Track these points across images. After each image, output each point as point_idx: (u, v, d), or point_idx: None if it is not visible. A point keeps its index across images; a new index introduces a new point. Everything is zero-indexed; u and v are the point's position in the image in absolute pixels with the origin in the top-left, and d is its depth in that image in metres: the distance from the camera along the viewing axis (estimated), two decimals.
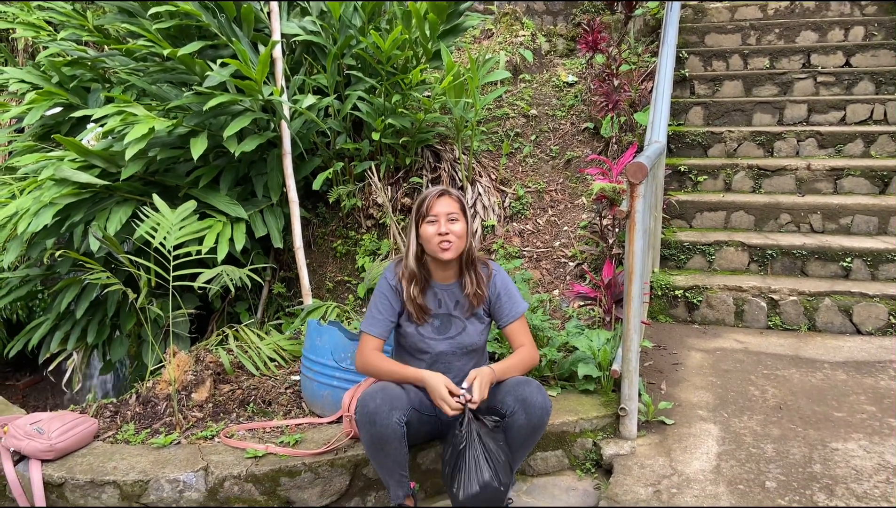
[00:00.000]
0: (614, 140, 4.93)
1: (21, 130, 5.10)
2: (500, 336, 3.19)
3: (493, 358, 3.24)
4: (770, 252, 4.08)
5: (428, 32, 4.40)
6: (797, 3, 6.05)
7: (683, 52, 5.78)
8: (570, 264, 4.36)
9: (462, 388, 2.19)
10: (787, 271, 4.08)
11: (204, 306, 4.83)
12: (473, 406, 2.16)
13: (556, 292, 4.19)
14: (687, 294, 3.98)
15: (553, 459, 2.70)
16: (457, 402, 2.15)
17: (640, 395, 2.87)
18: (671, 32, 4.39)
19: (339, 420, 2.65)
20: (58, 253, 4.07)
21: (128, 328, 4.55)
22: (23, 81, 4.38)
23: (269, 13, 4.39)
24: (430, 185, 4.77)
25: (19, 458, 2.39)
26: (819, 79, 5.29)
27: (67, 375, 4.73)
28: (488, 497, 2.11)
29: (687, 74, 5.57)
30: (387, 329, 2.35)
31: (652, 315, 4.06)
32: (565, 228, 4.65)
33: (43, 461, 2.35)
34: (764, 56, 5.63)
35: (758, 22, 5.97)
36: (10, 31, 5.14)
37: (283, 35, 4.42)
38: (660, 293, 4.04)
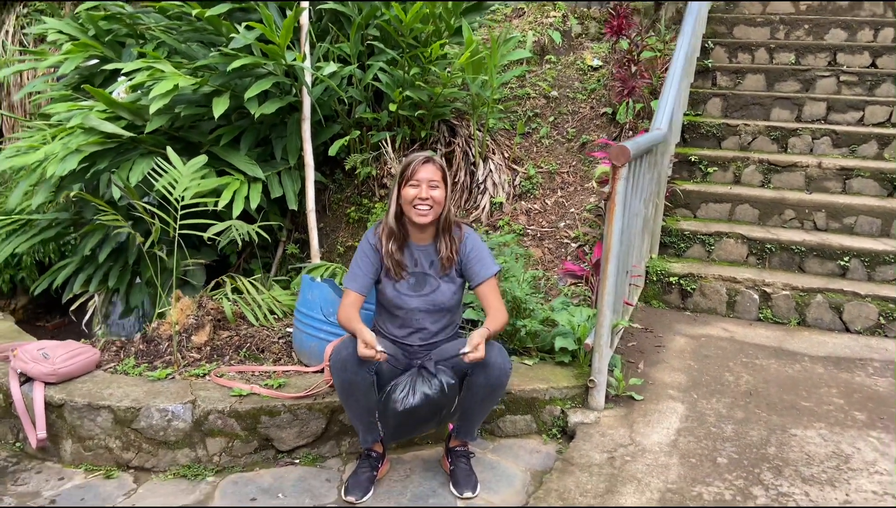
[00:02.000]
0: (629, 126, 4.98)
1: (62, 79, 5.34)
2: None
3: (475, 325, 3.38)
4: (769, 246, 4.13)
5: (451, 8, 4.49)
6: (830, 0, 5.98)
7: (710, 42, 5.77)
8: (573, 244, 4.45)
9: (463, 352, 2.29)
10: (785, 267, 4.12)
11: (221, 261, 5.04)
12: (474, 357, 2.25)
13: (556, 270, 4.30)
14: (682, 282, 4.05)
15: (522, 423, 2.84)
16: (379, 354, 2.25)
17: (612, 370, 2.99)
18: (689, 21, 4.41)
19: (323, 370, 2.82)
20: (72, 194, 4.28)
21: (147, 275, 4.78)
22: (61, 32, 4.59)
23: None
24: (444, 160, 4.89)
25: (25, 380, 2.61)
26: (842, 78, 5.25)
27: (88, 316, 4.99)
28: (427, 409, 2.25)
29: (710, 65, 5.56)
30: (366, 285, 2.50)
31: (646, 300, 4.15)
32: (572, 209, 4.73)
33: (46, 383, 2.57)
34: (790, 51, 5.59)
35: (788, 17, 5.91)
36: None
37: (311, 2, 4.55)
38: (655, 279, 4.12)
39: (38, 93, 5.15)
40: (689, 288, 4.04)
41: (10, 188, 5.44)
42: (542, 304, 3.38)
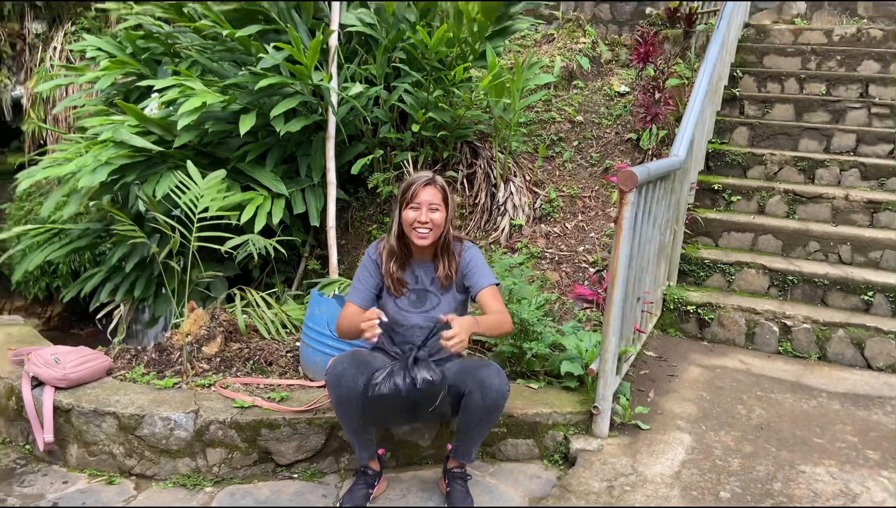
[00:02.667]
0: (652, 152, 4.95)
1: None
2: None
3: (482, 346, 3.38)
4: (791, 278, 4.04)
5: (476, 32, 4.55)
6: (864, 31, 5.88)
7: (738, 71, 5.72)
8: (591, 269, 4.42)
9: (440, 321, 2.27)
10: (807, 299, 4.02)
11: (244, 275, 5.13)
12: (450, 345, 2.19)
13: (571, 293, 4.27)
14: (700, 311, 3.99)
15: (524, 447, 2.81)
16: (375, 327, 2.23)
17: (619, 398, 2.95)
18: (714, 48, 4.38)
19: (325, 385, 2.84)
20: (92, 204, 4.40)
21: (171, 286, 4.89)
22: (100, 49, 4.77)
23: (329, 3, 4.64)
24: (465, 181, 4.93)
25: (37, 383, 2.68)
26: (873, 110, 5.14)
27: (113, 324, 5.11)
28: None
29: (738, 94, 5.51)
30: (366, 299, 2.53)
31: (662, 328, 4.09)
32: (592, 234, 4.71)
33: (56, 388, 2.64)
34: (821, 82, 5.51)
35: (820, 47, 5.83)
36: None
37: (340, 25, 4.65)
38: (672, 307, 4.07)
39: (78, 107, 5.34)
40: (707, 318, 3.97)
41: (48, 196, 5.62)
42: (553, 327, 3.35)
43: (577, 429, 2.83)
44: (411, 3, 4.69)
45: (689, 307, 4.00)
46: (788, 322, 3.81)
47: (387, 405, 2.24)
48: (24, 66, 7.09)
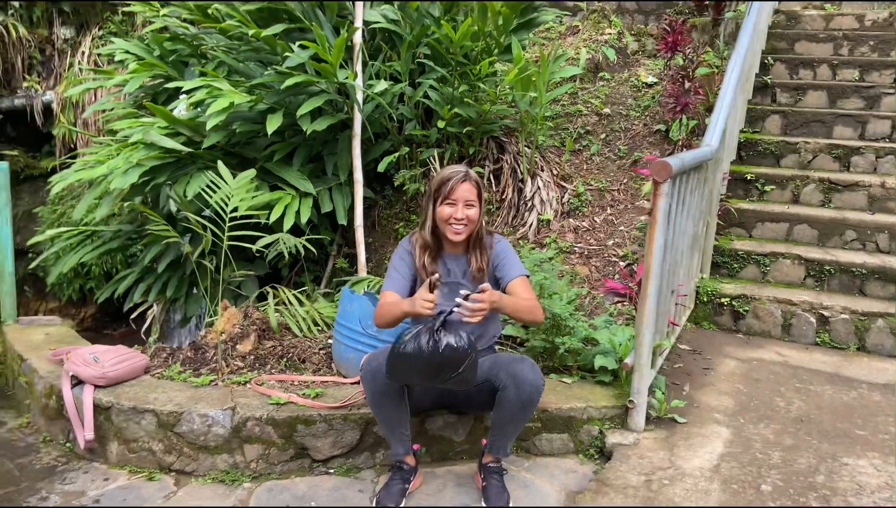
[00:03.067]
0: (682, 143, 4.88)
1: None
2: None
3: (514, 341, 3.36)
4: (828, 268, 3.96)
5: (501, 25, 4.52)
6: None
7: (769, 58, 5.62)
8: (621, 263, 4.38)
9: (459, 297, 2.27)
10: (845, 289, 3.94)
11: (274, 273, 5.16)
12: (470, 314, 2.23)
13: (602, 287, 4.23)
14: (734, 303, 3.93)
15: (558, 442, 2.79)
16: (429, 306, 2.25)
17: (654, 392, 2.92)
18: (745, 36, 4.30)
19: (359, 382, 2.85)
20: (126, 205, 4.45)
21: (203, 286, 4.94)
22: (128, 53, 4.82)
23: (353, 0, 4.64)
24: (491, 176, 4.90)
25: (77, 382, 2.72)
26: None
27: (147, 324, 5.17)
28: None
29: (770, 81, 5.41)
30: (401, 287, 2.55)
31: (695, 321, 4.04)
32: (621, 227, 4.66)
33: (96, 386, 2.68)
34: (854, 68, 5.39)
35: (852, 32, 5.71)
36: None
37: (364, 22, 4.65)
38: (706, 300, 4.01)
39: (107, 110, 5.41)
40: (741, 310, 3.91)
41: (81, 200, 5.71)
42: (585, 322, 3.32)
43: (613, 423, 2.80)
44: None
45: (722, 300, 3.94)
46: (826, 313, 3.74)
47: (410, 364, 2.23)
48: (53, 71, 7.21)
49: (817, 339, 3.75)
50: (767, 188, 4.62)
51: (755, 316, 3.88)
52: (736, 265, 4.19)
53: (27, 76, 7.01)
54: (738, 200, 4.63)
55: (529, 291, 2.54)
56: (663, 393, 2.94)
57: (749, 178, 4.66)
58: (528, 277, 2.58)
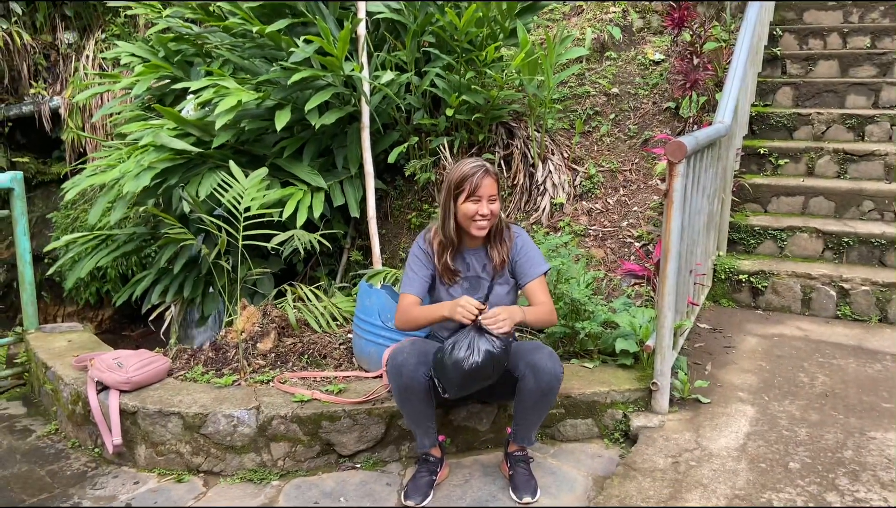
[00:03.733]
0: (693, 120, 4.84)
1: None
2: None
3: (532, 334, 3.35)
4: (846, 240, 3.93)
5: (505, 10, 4.48)
6: None
7: (778, 29, 5.54)
8: (636, 244, 4.35)
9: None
10: (864, 261, 3.91)
11: (289, 269, 5.17)
12: (493, 326, 2.26)
13: (619, 269, 4.21)
14: (752, 279, 3.91)
15: (583, 427, 2.79)
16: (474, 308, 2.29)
17: (677, 373, 2.91)
18: (753, 8, 4.24)
19: (381, 376, 2.86)
20: (142, 210, 4.47)
21: (220, 285, 4.96)
22: (133, 55, 4.82)
23: None
24: (502, 162, 4.88)
25: (102, 388, 2.75)
26: None
27: (166, 325, 5.21)
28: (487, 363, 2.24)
29: (779, 53, 5.35)
30: (421, 288, 2.54)
31: (714, 299, 4.02)
32: (635, 208, 4.63)
33: (121, 391, 2.70)
34: (865, 35, 5.31)
35: None
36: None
37: (367, 13, 4.62)
38: (723, 277, 3.99)
39: (115, 114, 5.42)
40: (760, 286, 3.89)
41: (94, 203, 5.74)
42: (603, 305, 3.31)
43: (636, 406, 2.80)
44: None
45: (740, 276, 3.92)
46: (846, 285, 3.71)
47: (481, 374, 2.26)
48: (59, 76, 7.23)
49: (838, 312, 3.73)
50: (781, 162, 4.57)
51: (774, 292, 3.85)
52: (753, 241, 4.16)
53: (34, 82, 7.03)
54: (752, 175, 4.59)
55: (545, 292, 2.54)
56: (686, 374, 2.93)
57: (762, 152, 4.62)
58: (547, 272, 2.57)
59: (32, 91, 7.01)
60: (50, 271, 5.28)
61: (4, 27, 6.37)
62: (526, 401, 2.35)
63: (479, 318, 2.29)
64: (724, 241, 4.12)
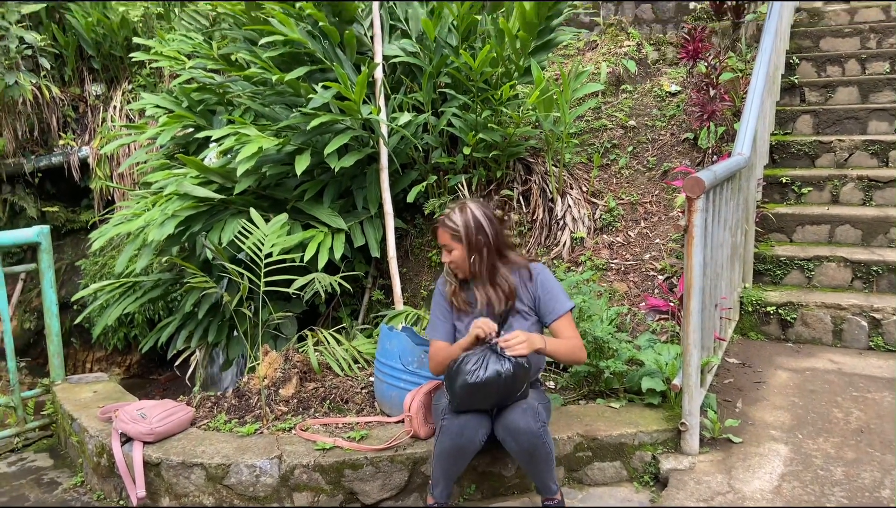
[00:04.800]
0: (712, 150, 4.81)
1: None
2: None
3: (559, 367, 3.31)
4: (875, 268, 3.84)
5: (519, 48, 4.52)
6: None
7: (795, 57, 5.52)
8: (659, 277, 4.30)
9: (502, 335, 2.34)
10: (895, 289, 3.81)
11: (311, 310, 5.19)
12: (508, 347, 2.28)
13: (642, 304, 4.16)
14: (780, 311, 3.83)
15: (611, 470, 2.73)
16: (488, 329, 2.31)
17: (706, 411, 2.84)
18: (768, 38, 4.23)
19: (403, 421, 2.82)
20: (164, 260, 4.53)
21: (243, 329, 4.99)
22: (157, 106, 4.94)
23: (371, 37, 4.70)
24: (520, 198, 4.88)
25: (126, 439, 2.75)
26: None
27: (191, 370, 5.23)
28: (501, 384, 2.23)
29: (797, 81, 5.31)
30: (448, 331, 2.57)
31: (742, 332, 3.94)
32: (657, 240, 4.59)
33: (145, 442, 2.70)
34: (884, 60, 5.27)
35: (879, 24, 5.58)
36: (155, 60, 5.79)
37: (384, 57, 4.70)
38: (750, 310, 3.92)
39: (141, 163, 5.54)
40: (789, 318, 3.81)
41: (121, 251, 5.84)
42: (627, 342, 3.26)
43: (666, 447, 2.73)
44: (451, 26, 4.70)
45: (768, 308, 3.84)
46: (877, 316, 3.61)
47: (489, 389, 2.27)
48: (87, 126, 7.42)
49: (871, 343, 3.63)
50: (804, 190, 4.51)
51: (804, 323, 3.77)
52: (779, 272, 4.09)
53: (63, 134, 7.22)
54: (775, 204, 4.53)
55: (572, 329, 2.52)
56: (716, 412, 2.86)
57: (784, 181, 4.56)
58: (572, 309, 2.56)
59: (62, 142, 7.20)
60: (79, 319, 5.35)
61: (34, 81, 6.57)
62: (521, 461, 2.35)
63: (496, 339, 2.30)
64: (750, 272, 4.06)
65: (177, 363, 5.23)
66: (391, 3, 4.88)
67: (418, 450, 2.63)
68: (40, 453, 3.42)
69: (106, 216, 6.64)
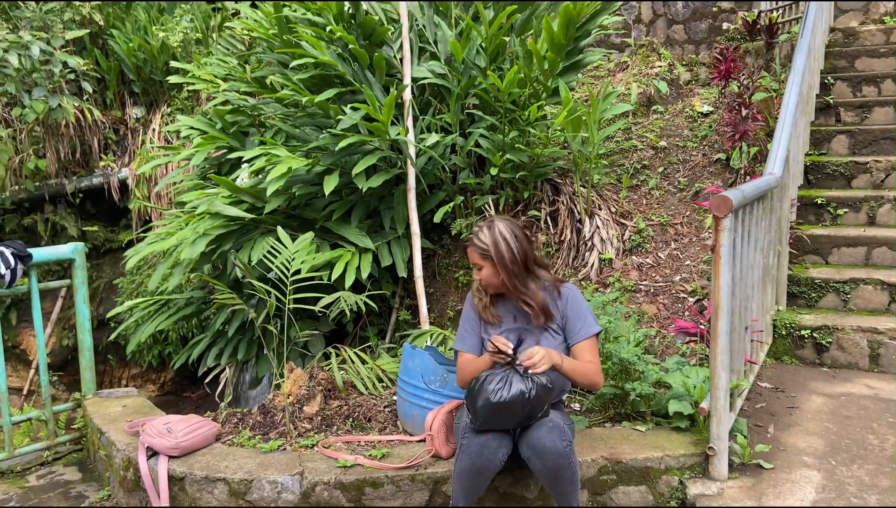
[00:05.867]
0: (745, 171, 4.74)
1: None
2: None
3: (583, 388, 3.27)
4: None
5: (547, 69, 4.54)
6: None
7: (829, 77, 5.44)
8: (690, 299, 4.23)
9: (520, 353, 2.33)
10: None
11: (339, 329, 5.22)
12: (530, 364, 2.28)
13: (671, 327, 4.09)
14: (815, 334, 3.73)
15: (636, 494, 2.67)
16: (503, 347, 2.30)
17: (736, 436, 2.77)
18: (800, 58, 4.18)
19: (425, 440, 2.81)
20: (193, 277, 4.60)
21: (272, 347, 5.03)
22: (192, 128, 5.06)
23: (401, 59, 4.77)
24: (548, 218, 4.86)
25: (152, 453, 2.79)
26: None
27: (221, 387, 5.29)
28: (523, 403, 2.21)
29: (832, 101, 5.23)
30: (475, 344, 2.58)
31: (775, 356, 3.85)
32: (687, 262, 4.52)
33: (170, 456, 2.73)
34: None
35: None
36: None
37: (413, 79, 4.76)
38: (784, 333, 3.82)
39: (176, 183, 5.67)
40: (824, 342, 3.71)
41: (156, 269, 5.96)
42: (655, 364, 3.21)
43: (693, 472, 2.67)
44: (479, 48, 4.74)
45: (802, 332, 3.75)
46: None
47: (511, 409, 2.25)
48: (127, 149, 7.63)
49: None
50: (840, 211, 4.41)
51: (839, 347, 3.67)
52: (814, 295, 4.00)
53: (103, 155, 7.44)
54: (810, 225, 4.44)
55: (594, 353, 2.52)
56: (746, 437, 2.79)
57: (819, 202, 4.47)
58: (598, 335, 2.56)
59: (102, 163, 7.41)
60: (113, 335, 5.46)
61: (77, 104, 6.79)
62: (545, 481, 2.31)
63: (519, 358, 2.30)
64: (784, 295, 3.97)
65: (207, 381, 5.30)
66: (420, 26, 4.94)
67: (439, 470, 2.61)
68: (70, 466, 3.47)
69: (143, 235, 6.79)
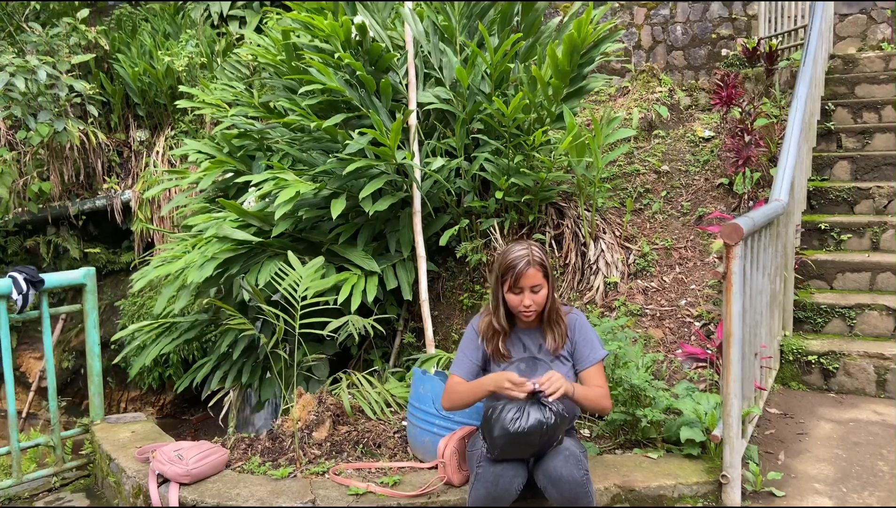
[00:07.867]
0: (748, 196, 4.78)
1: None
2: None
3: (593, 415, 3.26)
4: None
5: (552, 95, 4.59)
6: None
7: (830, 104, 5.50)
8: (696, 323, 4.25)
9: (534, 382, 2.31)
10: None
11: (343, 353, 5.21)
12: (549, 388, 2.26)
13: (678, 352, 4.10)
14: (822, 360, 3.74)
15: None
16: (527, 386, 2.27)
17: (748, 463, 2.77)
18: (803, 84, 4.23)
19: (436, 467, 2.80)
20: (204, 302, 4.60)
21: (276, 370, 5.02)
22: (200, 152, 5.09)
23: (406, 85, 4.82)
24: (552, 242, 4.88)
25: (163, 480, 2.77)
26: None
27: (224, 410, 5.27)
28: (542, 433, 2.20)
29: (833, 127, 5.28)
30: (470, 371, 2.54)
31: (783, 381, 3.86)
32: (693, 286, 4.54)
33: (181, 483, 2.72)
34: None
35: None
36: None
37: (418, 104, 4.80)
38: (791, 359, 3.83)
39: (182, 207, 5.69)
40: (831, 367, 3.72)
41: (160, 292, 5.96)
42: (664, 390, 3.21)
43: (706, 500, 2.66)
44: (484, 73, 4.79)
45: (809, 357, 3.76)
46: None
47: (529, 439, 2.25)
48: (130, 171, 7.65)
49: None
50: (844, 237, 4.45)
51: (846, 373, 3.68)
52: (820, 320, 4.01)
53: (107, 178, 7.46)
54: (815, 250, 4.47)
55: (601, 378, 2.52)
56: (758, 464, 2.79)
57: (823, 227, 4.51)
58: (604, 358, 2.56)
59: (106, 186, 7.43)
60: (116, 360, 5.44)
61: (81, 127, 6.82)
62: None
63: (537, 383, 2.28)
64: (790, 320, 3.98)
65: (210, 404, 5.28)
66: (426, 52, 5.00)
67: (452, 497, 2.60)
68: (77, 493, 3.45)
69: (146, 258, 6.79)
